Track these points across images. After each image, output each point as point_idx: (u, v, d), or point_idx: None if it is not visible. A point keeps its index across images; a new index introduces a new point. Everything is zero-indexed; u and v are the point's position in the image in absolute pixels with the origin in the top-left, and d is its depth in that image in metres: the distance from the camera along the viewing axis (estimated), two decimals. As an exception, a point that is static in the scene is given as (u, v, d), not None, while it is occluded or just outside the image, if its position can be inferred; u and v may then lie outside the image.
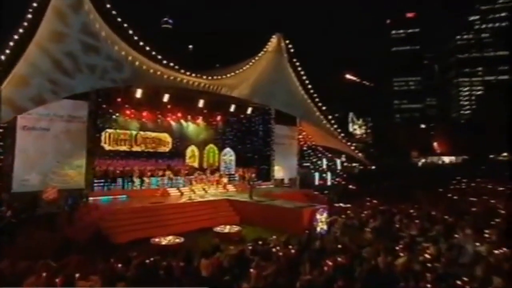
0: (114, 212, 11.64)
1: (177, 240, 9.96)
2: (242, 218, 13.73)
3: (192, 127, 22.16)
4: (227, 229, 11.67)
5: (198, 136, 22.39)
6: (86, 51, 11.00)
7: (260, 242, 9.59)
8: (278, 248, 8.97)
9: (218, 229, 11.60)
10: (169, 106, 18.94)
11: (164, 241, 9.87)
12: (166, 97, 17.06)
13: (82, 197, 12.51)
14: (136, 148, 20.06)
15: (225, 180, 18.89)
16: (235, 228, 11.79)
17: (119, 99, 16.35)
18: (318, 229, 12.17)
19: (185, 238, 10.25)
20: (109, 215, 11.19)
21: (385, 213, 14.64)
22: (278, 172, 22.43)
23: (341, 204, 17.71)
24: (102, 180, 14.84)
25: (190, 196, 15.40)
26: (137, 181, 16.40)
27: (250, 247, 9.08)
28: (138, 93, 15.79)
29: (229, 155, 22.78)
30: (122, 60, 12.38)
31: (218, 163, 22.60)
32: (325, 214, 12.72)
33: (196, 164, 22.27)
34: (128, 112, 18.55)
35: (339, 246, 9.41)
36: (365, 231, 11.68)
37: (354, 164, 32.08)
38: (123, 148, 19.57)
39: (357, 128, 72.21)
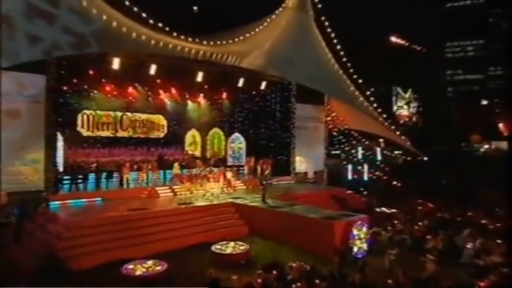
0: (77, 224, 10.26)
1: (158, 268, 8.64)
2: (252, 229, 12.55)
3: (191, 107, 21.05)
4: (229, 248, 10.33)
5: (199, 118, 21.37)
6: (30, 16, 10.02)
7: (274, 272, 8.46)
8: (299, 284, 7.82)
9: (217, 247, 10.28)
10: (158, 81, 17.56)
11: (140, 269, 8.50)
12: (153, 69, 15.58)
13: (39, 202, 11.30)
14: (122, 134, 19.23)
15: (230, 175, 17.24)
16: (241, 247, 10.39)
17: (91, 72, 14.92)
18: (356, 249, 10.56)
19: (171, 261, 9.09)
20: (70, 230, 9.82)
21: (447, 224, 13.11)
22: (300, 164, 21.02)
23: (384, 209, 16.25)
24: (70, 178, 13.55)
25: (185, 198, 13.92)
26: (124, 178, 15.07)
27: (259, 280, 7.99)
28: (116, 63, 14.27)
29: (238, 142, 21.66)
30: (89, 35, 11.17)
31: (224, 152, 21.64)
32: (364, 228, 10.93)
33: (197, 153, 21.49)
34: (108, 88, 17.40)
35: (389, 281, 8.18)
36: (422, 253, 9.99)
37: (396, 153, 29.84)
38: (106, 133, 18.76)
39: (403, 106, 67.62)
